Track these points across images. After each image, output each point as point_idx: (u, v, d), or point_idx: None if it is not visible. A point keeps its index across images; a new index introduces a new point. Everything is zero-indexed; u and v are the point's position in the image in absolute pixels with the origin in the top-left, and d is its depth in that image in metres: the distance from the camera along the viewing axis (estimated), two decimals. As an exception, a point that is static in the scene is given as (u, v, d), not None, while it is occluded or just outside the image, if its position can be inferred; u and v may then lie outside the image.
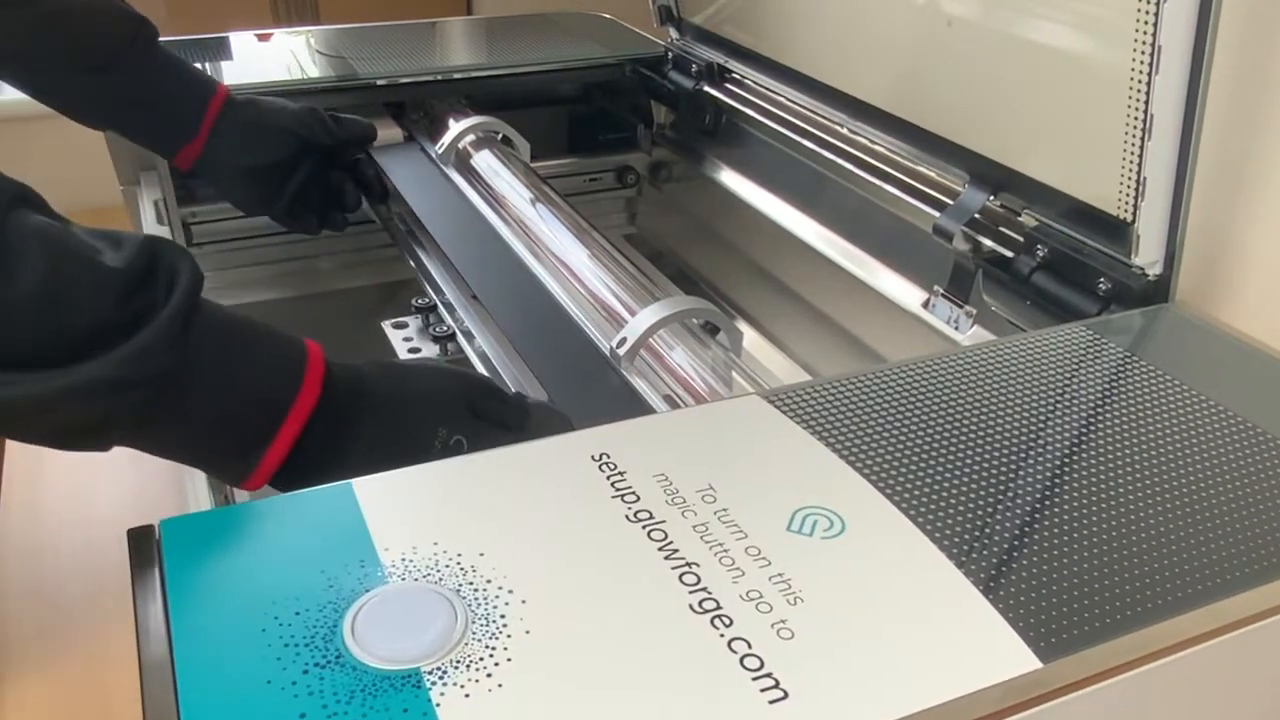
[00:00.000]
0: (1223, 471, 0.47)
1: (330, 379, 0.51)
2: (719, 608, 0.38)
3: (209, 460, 0.50)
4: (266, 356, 0.50)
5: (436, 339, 0.87)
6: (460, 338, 0.78)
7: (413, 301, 0.91)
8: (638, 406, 0.61)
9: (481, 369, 0.72)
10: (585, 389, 0.63)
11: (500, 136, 0.99)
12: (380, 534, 0.40)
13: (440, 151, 0.96)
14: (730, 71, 1.01)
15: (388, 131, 0.99)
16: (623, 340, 0.65)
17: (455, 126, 0.97)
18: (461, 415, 0.54)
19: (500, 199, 0.88)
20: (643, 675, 0.35)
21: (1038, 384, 0.53)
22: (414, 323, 0.93)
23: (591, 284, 0.73)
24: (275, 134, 0.84)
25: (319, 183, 0.87)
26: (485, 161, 0.94)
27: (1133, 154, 0.59)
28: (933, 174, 0.77)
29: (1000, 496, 0.45)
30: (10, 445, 0.67)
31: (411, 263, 0.89)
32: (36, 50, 0.76)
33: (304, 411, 0.50)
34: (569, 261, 0.77)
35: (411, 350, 0.90)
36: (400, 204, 0.92)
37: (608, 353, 0.66)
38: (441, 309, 0.82)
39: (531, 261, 0.79)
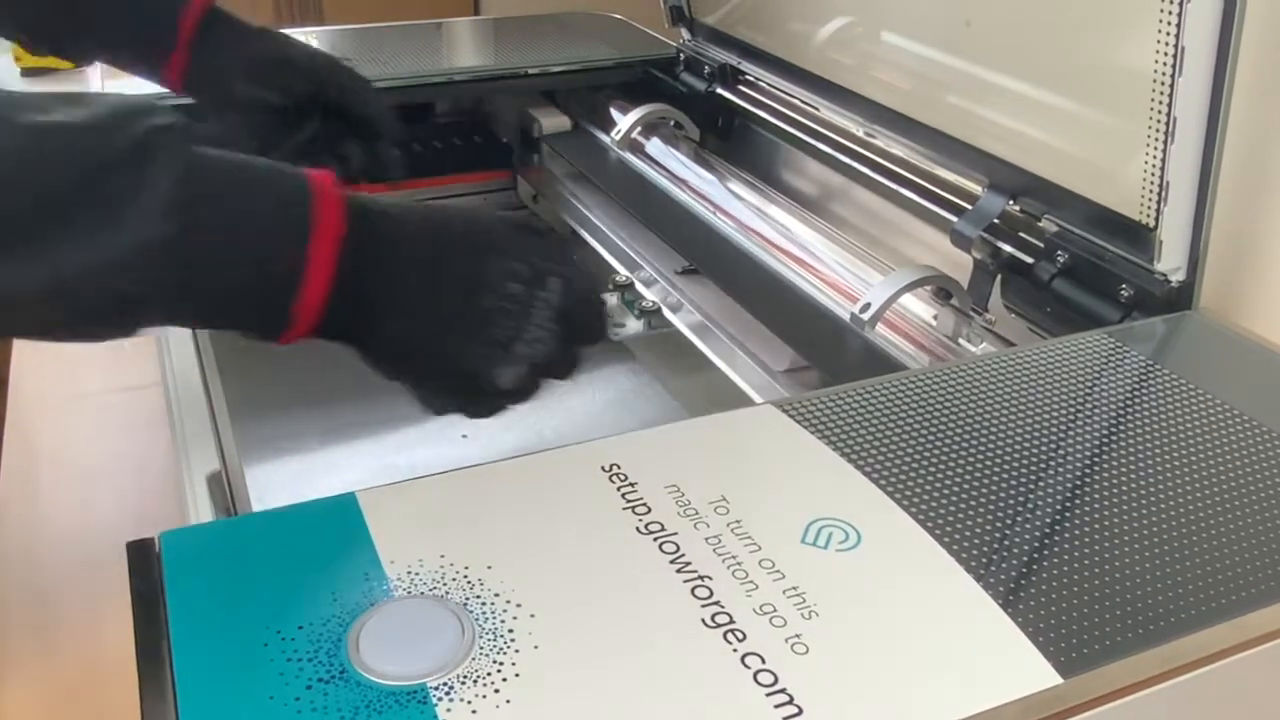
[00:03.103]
0: (1247, 482, 0.46)
1: (355, 208, 0.46)
2: (732, 621, 0.37)
3: (240, 322, 0.46)
4: (264, 201, 0.45)
5: (643, 313, 0.88)
6: (665, 311, 0.81)
7: (613, 278, 0.90)
8: (886, 365, 0.64)
9: (696, 342, 0.78)
10: (834, 350, 0.68)
11: (672, 122, 1.03)
12: (385, 546, 0.40)
13: (617, 138, 1.00)
14: (743, 73, 1.00)
15: (555, 120, 1.06)
16: (866, 305, 0.68)
17: (630, 114, 1.01)
18: (527, 246, 0.50)
19: (687, 180, 0.93)
20: (654, 691, 0.35)
21: (1058, 393, 0.52)
22: (610, 299, 0.92)
23: (806, 256, 0.78)
24: (278, 66, 0.75)
25: (329, 142, 0.77)
26: (662, 146, 0.98)
27: (1155, 157, 0.58)
28: (950, 178, 0.76)
29: (1019, 508, 0.44)
30: (8, 450, 0.66)
31: (595, 243, 0.93)
32: None
33: (326, 248, 0.45)
34: (773, 236, 0.81)
35: (615, 325, 0.90)
36: (583, 187, 0.97)
37: (847, 318, 0.69)
38: (639, 285, 0.85)
39: (736, 236, 0.83)
